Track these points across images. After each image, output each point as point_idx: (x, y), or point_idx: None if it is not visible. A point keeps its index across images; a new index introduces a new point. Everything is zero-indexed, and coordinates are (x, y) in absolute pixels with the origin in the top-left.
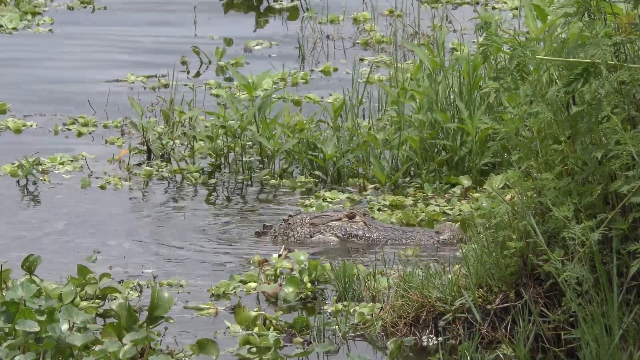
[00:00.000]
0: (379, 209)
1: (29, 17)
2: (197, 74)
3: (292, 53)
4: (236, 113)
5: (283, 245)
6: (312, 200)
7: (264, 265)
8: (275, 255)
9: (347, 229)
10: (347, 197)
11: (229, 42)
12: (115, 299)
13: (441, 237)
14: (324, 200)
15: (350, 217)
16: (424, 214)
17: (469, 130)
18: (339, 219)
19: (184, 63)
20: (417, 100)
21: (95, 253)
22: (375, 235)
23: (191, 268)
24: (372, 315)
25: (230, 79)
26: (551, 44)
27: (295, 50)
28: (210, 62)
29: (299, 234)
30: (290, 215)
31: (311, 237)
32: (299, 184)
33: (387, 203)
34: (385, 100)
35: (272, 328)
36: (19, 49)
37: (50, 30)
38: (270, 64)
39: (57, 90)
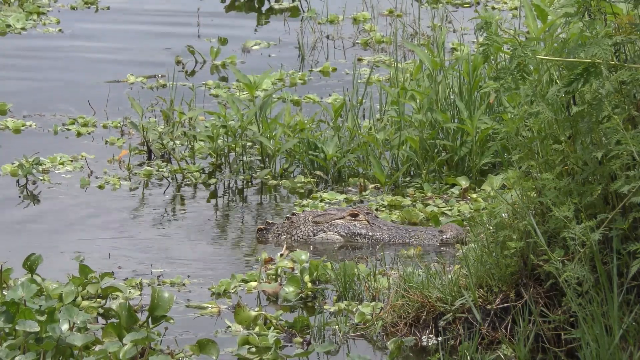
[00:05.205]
0: (376, 209)
1: (34, 17)
2: (192, 73)
3: (292, 53)
4: (237, 113)
5: (284, 245)
6: (309, 201)
7: (267, 264)
8: (278, 254)
9: (351, 228)
10: (344, 198)
11: (223, 41)
12: (116, 298)
13: (444, 236)
14: (321, 201)
15: (354, 215)
16: (422, 214)
17: (468, 131)
18: (342, 218)
19: (178, 62)
20: (417, 101)
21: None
22: (378, 234)
23: (192, 267)
24: (372, 315)
25: (224, 79)
26: (551, 44)
27: (295, 50)
28: (205, 62)
29: (302, 232)
30: (293, 213)
31: (314, 235)
32: (298, 184)
33: (386, 203)
34: (386, 100)
35: (272, 327)
36: (26, 49)
37: (60, 30)
38: (267, 64)
39: (58, 90)
